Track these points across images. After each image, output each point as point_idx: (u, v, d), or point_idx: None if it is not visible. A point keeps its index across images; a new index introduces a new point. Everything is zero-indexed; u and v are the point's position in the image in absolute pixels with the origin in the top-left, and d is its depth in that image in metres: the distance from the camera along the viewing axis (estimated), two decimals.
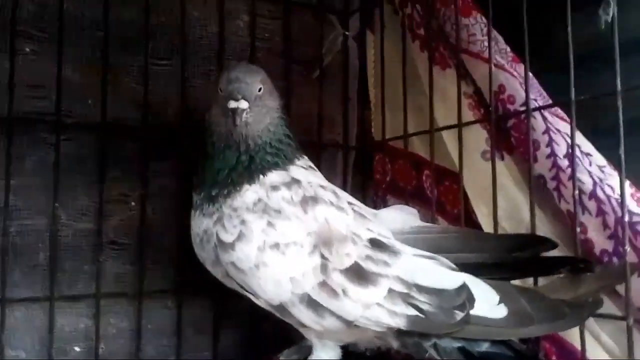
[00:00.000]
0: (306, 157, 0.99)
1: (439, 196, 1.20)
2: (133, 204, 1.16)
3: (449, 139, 1.18)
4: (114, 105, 1.15)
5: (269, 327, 1.02)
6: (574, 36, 0.93)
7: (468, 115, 1.14)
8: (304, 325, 0.90)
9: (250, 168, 0.92)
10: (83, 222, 1.11)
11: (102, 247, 1.12)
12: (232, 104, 0.89)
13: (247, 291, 0.91)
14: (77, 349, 1.09)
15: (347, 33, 1.44)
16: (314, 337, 0.95)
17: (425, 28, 1.24)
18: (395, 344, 0.91)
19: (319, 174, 0.99)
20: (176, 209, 1.17)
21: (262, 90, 0.93)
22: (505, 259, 0.92)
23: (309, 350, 1.00)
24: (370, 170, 1.40)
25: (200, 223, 0.93)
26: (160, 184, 1.18)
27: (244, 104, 0.89)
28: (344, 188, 1.34)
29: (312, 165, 1.00)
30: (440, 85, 1.19)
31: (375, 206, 1.28)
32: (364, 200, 1.34)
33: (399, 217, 0.99)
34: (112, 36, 1.15)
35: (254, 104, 0.91)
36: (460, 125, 1.11)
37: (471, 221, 1.12)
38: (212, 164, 0.93)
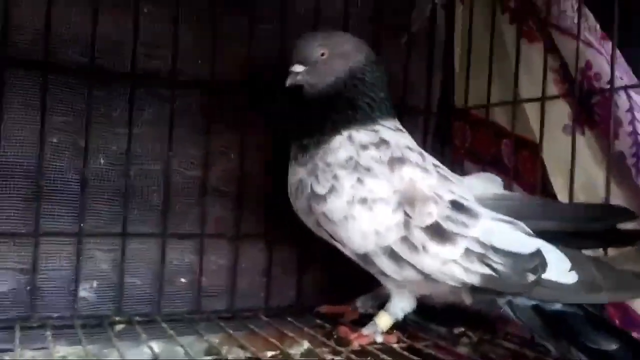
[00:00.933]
0: (396, 119, 1.08)
1: (516, 165, 1.26)
2: (232, 156, 1.28)
3: (531, 110, 1.22)
4: (221, 65, 1.25)
5: (349, 273, 1.12)
6: None
7: (552, 89, 1.18)
8: (384, 274, 1.00)
9: (330, 116, 1.03)
10: (191, 169, 1.24)
11: (207, 192, 1.25)
12: (290, 68, 1.06)
13: (335, 240, 1.02)
14: (183, 280, 1.23)
15: (436, 1, 1.48)
16: (392, 286, 1.05)
17: (516, 1, 1.28)
18: (468, 299, 1.00)
19: (407, 135, 1.07)
20: (269, 161, 1.29)
21: (325, 55, 1.06)
22: (582, 228, 0.98)
23: (384, 297, 1.10)
24: (449, 136, 1.47)
25: (295, 172, 1.05)
26: (256, 138, 1.29)
27: (297, 68, 1.06)
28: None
29: (401, 127, 1.08)
30: (526, 58, 1.24)
31: (453, 171, 1.36)
32: (442, 164, 1.41)
33: (483, 184, 1.06)
34: (220, 1, 1.25)
35: (313, 67, 1.06)
36: (543, 99, 1.16)
37: (546, 191, 1.18)
38: (300, 115, 1.08)
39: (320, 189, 0.99)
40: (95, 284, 1.15)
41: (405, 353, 1.00)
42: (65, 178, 1.13)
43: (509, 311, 0.96)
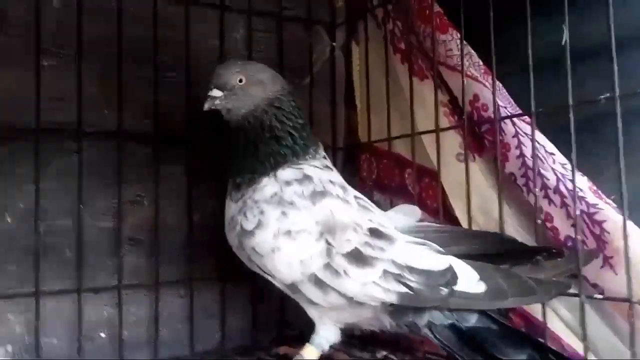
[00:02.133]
0: (323, 154, 1.14)
1: (420, 192, 1.35)
2: (146, 204, 1.28)
3: (427, 141, 1.32)
4: (128, 114, 1.26)
5: (275, 309, 1.13)
6: (540, 43, 1.06)
7: (444, 121, 1.29)
8: (311, 302, 1.04)
9: (257, 156, 1.07)
10: (103, 221, 1.23)
11: (121, 243, 1.23)
12: (209, 92, 1.09)
13: (265, 273, 1.05)
14: (102, 335, 1.20)
15: (334, 44, 1.58)
16: (317, 316, 1.08)
17: (406, 42, 1.39)
18: (390, 323, 1.05)
19: (333, 171, 1.13)
20: (185, 208, 1.30)
21: (243, 81, 1.10)
22: (488, 250, 1.07)
23: None
24: (356, 169, 1.55)
25: (229, 209, 1.09)
26: (170, 186, 1.30)
27: (216, 92, 1.09)
28: None
29: (329, 164, 1.14)
30: (419, 94, 1.34)
31: None
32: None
33: (403, 216, 1.15)
34: (124, 51, 1.26)
35: (231, 92, 1.09)
36: (437, 130, 1.26)
37: (449, 215, 1.28)
38: (231, 153, 1.11)
39: (249, 225, 1.03)
40: (10, 348, 1.10)
41: None
42: None
43: (429, 333, 1.02)
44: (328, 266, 1.01)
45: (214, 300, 1.33)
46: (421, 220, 1.18)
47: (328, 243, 1.01)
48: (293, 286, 1.03)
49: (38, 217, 1.15)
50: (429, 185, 1.35)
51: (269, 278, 1.06)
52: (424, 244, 1.05)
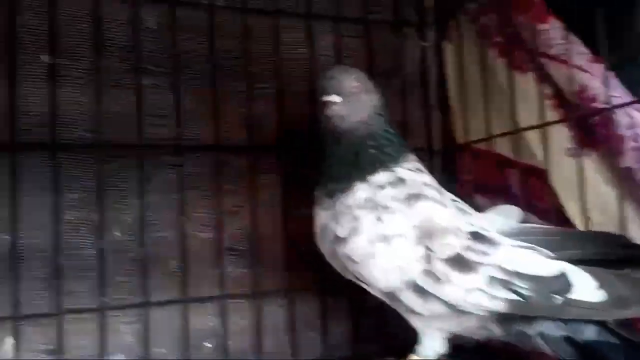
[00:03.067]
0: (415, 158, 1.09)
1: (526, 193, 1.28)
2: (244, 214, 1.29)
3: (532, 138, 1.25)
4: (224, 127, 1.28)
5: (375, 320, 1.10)
6: None
7: (550, 115, 1.21)
8: (412, 311, 0.99)
9: (358, 163, 1.03)
10: (205, 232, 1.25)
11: (222, 253, 1.25)
12: (325, 98, 1.02)
13: (361, 281, 1.02)
14: (208, 345, 1.22)
15: (424, 44, 1.53)
16: (421, 325, 1.03)
17: (503, 35, 1.32)
18: (498, 332, 0.98)
19: (426, 174, 1.09)
20: (282, 217, 1.30)
21: (357, 88, 1.05)
22: (608, 255, 0.96)
23: None
24: (455, 171, 1.49)
25: (320, 217, 1.06)
26: (266, 196, 1.31)
27: (335, 98, 1.02)
28: None
29: (421, 167, 1.09)
30: (520, 88, 1.27)
31: None
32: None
33: (503, 217, 1.07)
34: (218, 65, 1.29)
35: (347, 99, 1.03)
36: (544, 125, 1.19)
37: (561, 215, 1.19)
38: (325, 161, 1.06)
39: (342, 232, 1.00)
40: (121, 358, 1.14)
41: None
42: (82, 254, 1.14)
43: (542, 343, 0.95)
44: (428, 272, 0.95)
45: (315, 310, 1.32)
46: (524, 222, 1.10)
47: (427, 248, 0.96)
48: (391, 294, 0.99)
49: (144, 229, 1.18)
50: (535, 184, 1.27)
51: (366, 287, 1.02)
52: (531, 248, 0.97)
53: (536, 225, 1.10)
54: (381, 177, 1.03)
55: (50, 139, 1.13)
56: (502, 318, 0.96)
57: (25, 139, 1.12)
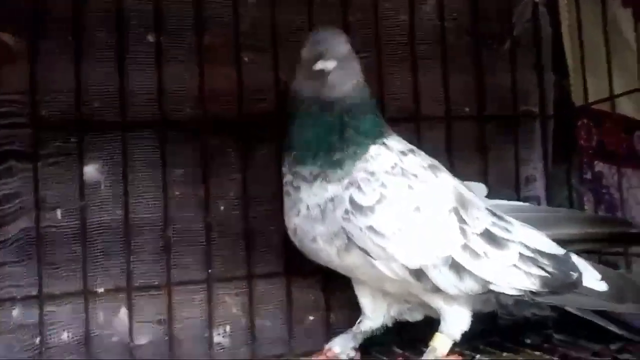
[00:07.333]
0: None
1: None
2: None
3: None
4: None
5: None
6: None
7: None
8: (436, 291, 0.91)
9: (359, 130, 0.92)
10: None
11: None
12: (319, 65, 0.90)
13: (374, 257, 0.90)
14: (311, 317, 1.22)
15: (536, 1, 1.41)
16: (443, 304, 0.95)
17: None
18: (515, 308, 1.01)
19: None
20: None
21: (349, 52, 0.94)
22: (595, 234, 1.01)
23: (367, 334, 1.06)
24: (572, 137, 1.37)
25: (321, 192, 0.91)
26: None
27: (330, 64, 0.90)
28: (545, 159, 1.34)
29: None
30: None
31: (583, 173, 1.26)
32: (569, 168, 1.31)
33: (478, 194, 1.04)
34: None
35: (341, 64, 0.91)
36: None
37: None
38: (309, 132, 0.93)
39: (366, 200, 0.88)
40: (228, 328, 1.17)
41: None
42: (190, 228, 1.17)
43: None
44: (466, 247, 0.89)
45: None
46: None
47: (462, 221, 0.90)
48: (419, 272, 0.89)
49: (247, 204, 1.19)
50: None
51: (377, 264, 0.90)
52: (534, 228, 0.95)
53: (512, 203, 1.08)
54: (396, 143, 0.94)
55: (159, 116, 1.17)
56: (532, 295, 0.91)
57: (134, 117, 1.16)
